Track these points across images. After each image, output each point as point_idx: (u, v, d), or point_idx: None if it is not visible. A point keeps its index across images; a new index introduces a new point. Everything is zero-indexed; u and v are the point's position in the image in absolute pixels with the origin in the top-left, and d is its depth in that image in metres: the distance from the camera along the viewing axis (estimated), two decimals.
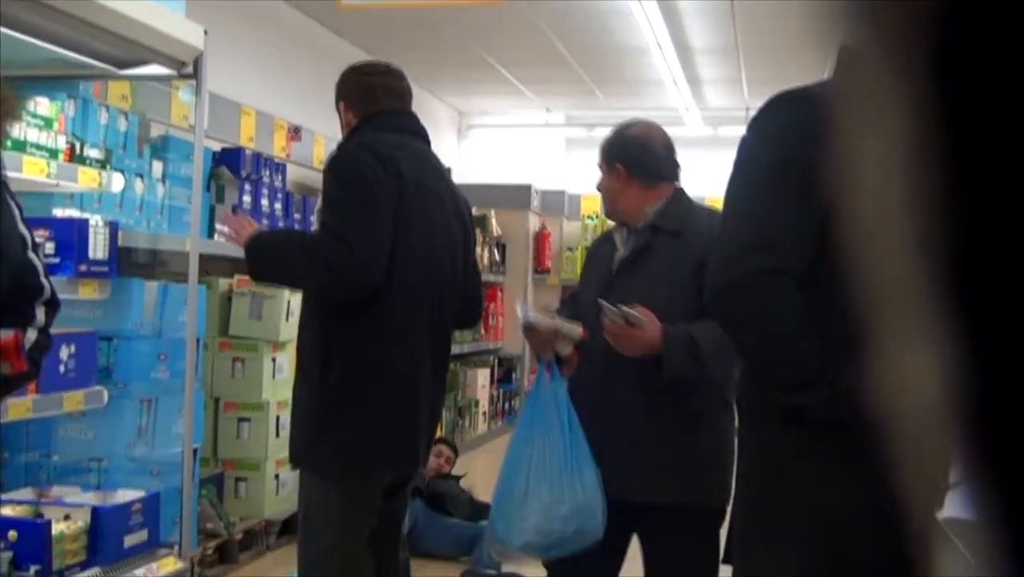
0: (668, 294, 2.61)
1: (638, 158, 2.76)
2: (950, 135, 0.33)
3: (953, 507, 1.82)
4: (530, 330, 2.80)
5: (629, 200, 2.77)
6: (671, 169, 2.81)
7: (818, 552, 1.74)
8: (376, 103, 2.89)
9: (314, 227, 4.99)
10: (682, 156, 2.88)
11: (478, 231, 8.70)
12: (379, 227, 2.67)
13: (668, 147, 2.83)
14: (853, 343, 1.79)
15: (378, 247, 2.66)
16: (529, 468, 2.64)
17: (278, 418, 4.98)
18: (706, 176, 5.90)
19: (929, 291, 0.35)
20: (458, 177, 8.92)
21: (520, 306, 2.89)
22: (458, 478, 5.63)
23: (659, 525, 2.67)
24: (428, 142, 2.98)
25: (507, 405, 9.51)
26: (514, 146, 10.61)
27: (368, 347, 2.76)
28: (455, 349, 7.90)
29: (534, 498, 2.60)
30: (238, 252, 5.00)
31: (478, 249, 8.77)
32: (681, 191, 2.80)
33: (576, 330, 2.72)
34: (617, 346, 2.56)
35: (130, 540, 3.58)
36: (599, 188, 2.86)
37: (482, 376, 8.64)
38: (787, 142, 1.75)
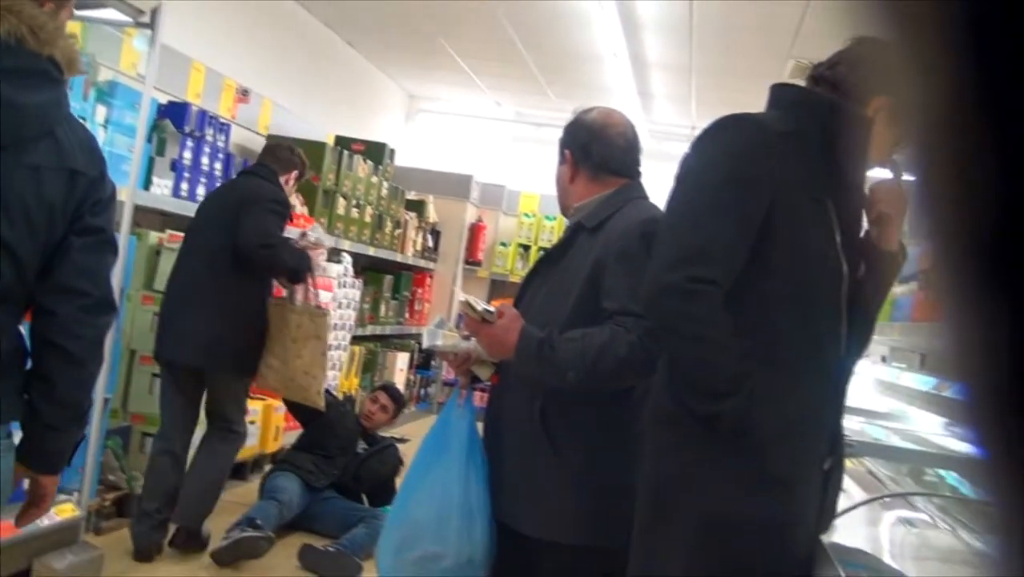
0: (567, 294, 2.34)
1: (586, 146, 2.47)
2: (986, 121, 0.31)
3: (840, 533, 1.90)
4: (442, 353, 2.58)
5: (577, 191, 2.48)
6: (626, 164, 2.48)
7: (709, 557, 1.81)
8: None
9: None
10: None
11: (415, 215, 8.73)
12: None
13: (628, 139, 2.50)
14: (769, 359, 1.87)
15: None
16: (418, 508, 2.42)
17: None
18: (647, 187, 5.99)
19: (963, 278, 0.33)
20: (401, 160, 8.86)
21: (427, 331, 2.56)
22: (402, 441, 5.72)
23: (544, 560, 2.36)
24: (253, 174, 4.64)
25: (423, 392, 9.53)
26: (460, 135, 10.63)
27: None
28: (376, 330, 7.99)
29: (416, 546, 2.39)
30: (174, 207, 4.97)
31: (412, 233, 8.76)
32: (626, 187, 2.47)
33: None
34: (481, 345, 2.40)
35: None
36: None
37: (401, 359, 8.64)
38: (731, 161, 1.84)
